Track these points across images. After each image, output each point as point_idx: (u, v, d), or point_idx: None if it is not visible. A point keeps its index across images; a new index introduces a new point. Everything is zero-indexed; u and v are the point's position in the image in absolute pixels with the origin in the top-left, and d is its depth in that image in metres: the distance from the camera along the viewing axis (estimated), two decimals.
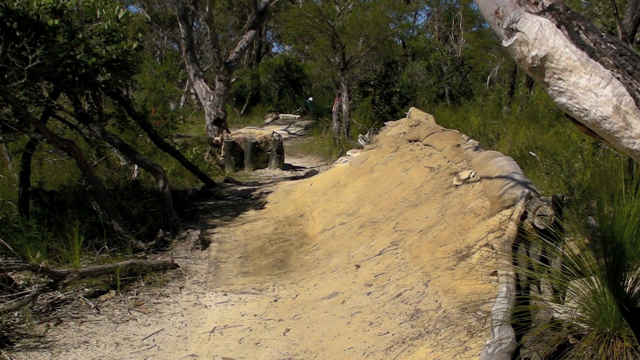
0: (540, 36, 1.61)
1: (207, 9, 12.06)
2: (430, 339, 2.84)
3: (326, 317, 3.58)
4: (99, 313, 3.84)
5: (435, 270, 3.63)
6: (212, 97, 12.21)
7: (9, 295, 3.68)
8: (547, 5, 1.66)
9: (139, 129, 7.75)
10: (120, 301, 4.07)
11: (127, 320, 3.79)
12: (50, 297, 3.93)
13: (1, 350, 3.18)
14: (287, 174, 10.71)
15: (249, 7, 16.58)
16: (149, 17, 18.91)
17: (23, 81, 4.62)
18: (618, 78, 1.52)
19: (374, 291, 3.76)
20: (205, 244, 5.57)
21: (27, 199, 5.60)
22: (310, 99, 18.99)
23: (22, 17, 4.63)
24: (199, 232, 5.71)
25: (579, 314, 2.40)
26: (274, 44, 26.13)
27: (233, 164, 10.81)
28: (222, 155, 11.07)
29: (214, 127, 12.15)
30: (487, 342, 2.35)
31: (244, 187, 8.68)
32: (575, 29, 1.60)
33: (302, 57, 21.57)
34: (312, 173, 10.04)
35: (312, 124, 16.88)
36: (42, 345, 3.34)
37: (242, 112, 19.63)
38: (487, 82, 16.10)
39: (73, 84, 5.48)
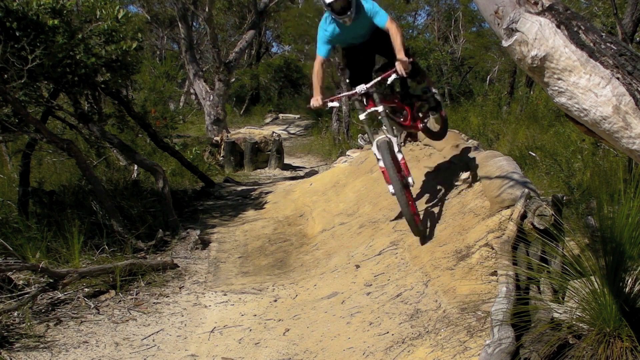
0: (540, 36, 1.61)
1: (206, 9, 12.06)
2: (430, 339, 2.84)
3: (326, 317, 3.58)
4: (98, 313, 3.84)
5: (435, 270, 3.63)
6: (211, 97, 12.21)
7: (9, 295, 3.68)
8: (547, 5, 1.66)
9: (138, 129, 7.75)
10: (120, 301, 4.06)
11: (127, 320, 3.79)
12: (50, 297, 3.93)
13: (1, 350, 3.18)
14: (287, 174, 10.71)
15: (248, 7, 16.58)
16: (149, 17, 18.93)
17: (23, 81, 4.62)
18: (618, 78, 1.52)
19: (373, 291, 3.76)
20: (205, 244, 5.57)
21: (27, 199, 5.60)
22: None
23: (21, 17, 4.63)
24: (198, 232, 5.71)
25: (579, 314, 2.40)
26: (273, 44, 26.14)
27: (233, 164, 10.81)
28: (221, 155, 11.07)
29: (214, 127, 12.15)
30: (487, 342, 2.35)
31: (244, 187, 8.68)
32: (575, 29, 1.60)
33: (301, 57, 21.57)
34: (312, 173, 10.04)
35: (312, 124, 16.89)
36: (41, 345, 3.34)
37: (241, 112, 19.64)
38: (487, 82, 16.10)
39: (73, 84, 5.48)
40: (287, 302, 4.04)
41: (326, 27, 4.31)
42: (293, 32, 17.01)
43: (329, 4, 4.00)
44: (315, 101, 4.07)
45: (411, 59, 4.02)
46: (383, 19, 4.13)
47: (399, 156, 4.00)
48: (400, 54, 3.96)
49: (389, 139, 3.98)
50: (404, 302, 3.40)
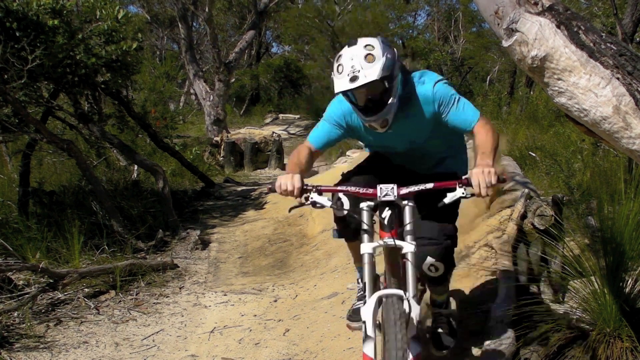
0: (540, 36, 1.61)
1: (206, 9, 12.07)
2: None
3: (326, 317, 3.58)
4: (98, 313, 3.84)
5: None
6: (211, 98, 12.22)
7: (9, 295, 3.68)
8: (547, 5, 1.66)
9: (138, 129, 7.75)
10: (120, 301, 4.06)
11: (127, 321, 3.79)
12: (50, 297, 3.93)
13: (1, 351, 3.18)
14: None
15: (248, 8, 16.59)
16: (149, 18, 18.94)
17: (23, 81, 4.62)
18: (618, 78, 1.52)
19: None
20: (205, 244, 5.56)
21: (27, 199, 5.59)
22: None
23: (21, 18, 4.63)
24: (198, 232, 5.71)
25: (579, 314, 2.40)
26: (273, 44, 26.18)
27: (233, 164, 10.81)
28: (221, 155, 11.07)
29: (214, 127, 12.16)
30: (487, 342, 2.35)
31: (244, 188, 8.68)
32: (575, 29, 1.60)
33: (301, 57, 21.58)
34: (312, 173, 10.05)
35: (312, 124, 16.88)
36: (41, 346, 3.34)
37: (241, 112, 19.64)
38: (487, 82, 16.10)
39: (73, 84, 5.48)
40: (287, 302, 4.04)
41: (346, 109, 2.37)
42: (293, 32, 17.03)
43: (344, 92, 2.16)
44: (289, 181, 2.13)
45: (504, 177, 1.94)
46: (472, 118, 2.20)
47: (415, 350, 1.79)
48: (486, 159, 2.00)
49: (407, 298, 1.86)
50: None
